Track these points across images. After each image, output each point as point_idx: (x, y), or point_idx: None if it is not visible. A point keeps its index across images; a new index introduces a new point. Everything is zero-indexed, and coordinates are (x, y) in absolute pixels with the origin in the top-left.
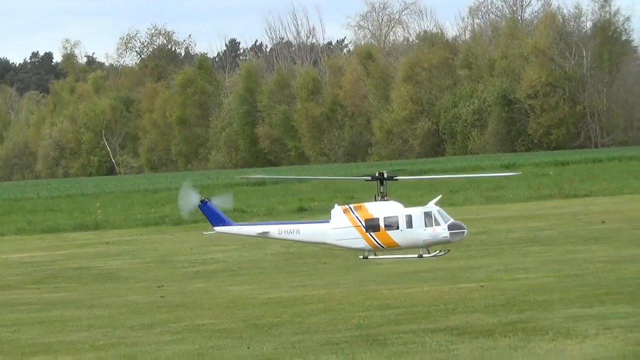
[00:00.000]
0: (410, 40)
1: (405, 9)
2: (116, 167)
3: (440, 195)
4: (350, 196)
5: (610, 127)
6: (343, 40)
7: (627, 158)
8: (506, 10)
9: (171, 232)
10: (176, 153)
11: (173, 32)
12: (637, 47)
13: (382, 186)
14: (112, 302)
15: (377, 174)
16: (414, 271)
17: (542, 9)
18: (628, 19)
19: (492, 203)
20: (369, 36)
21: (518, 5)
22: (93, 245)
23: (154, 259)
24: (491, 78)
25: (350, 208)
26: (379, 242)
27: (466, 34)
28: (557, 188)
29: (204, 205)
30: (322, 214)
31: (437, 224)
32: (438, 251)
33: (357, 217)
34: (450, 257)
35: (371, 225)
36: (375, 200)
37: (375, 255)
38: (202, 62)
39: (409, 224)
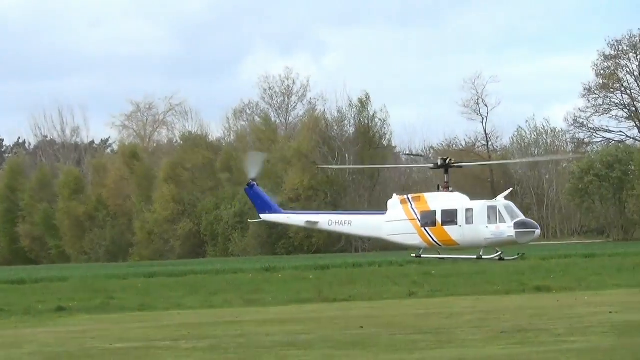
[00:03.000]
0: (175, 140)
1: (170, 110)
2: None
3: (511, 188)
4: (110, 296)
5: None
6: (107, 139)
7: (387, 263)
8: (271, 113)
9: None
10: None
11: None
12: (400, 152)
13: (446, 175)
14: None
15: (440, 161)
16: None
17: (306, 113)
18: (384, 122)
19: (251, 306)
20: (133, 136)
21: (283, 109)
22: None
23: None
24: None
25: (408, 198)
26: (435, 239)
27: (231, 136)
28: (316, 292)
29: (250, 189)
30: (81, 313)
31: (502, 220)
32: (500, 252)
33: (413, 209)
34: None
35: (427, 219)
36: (438, 191)
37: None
38: None
39: (470, 219)
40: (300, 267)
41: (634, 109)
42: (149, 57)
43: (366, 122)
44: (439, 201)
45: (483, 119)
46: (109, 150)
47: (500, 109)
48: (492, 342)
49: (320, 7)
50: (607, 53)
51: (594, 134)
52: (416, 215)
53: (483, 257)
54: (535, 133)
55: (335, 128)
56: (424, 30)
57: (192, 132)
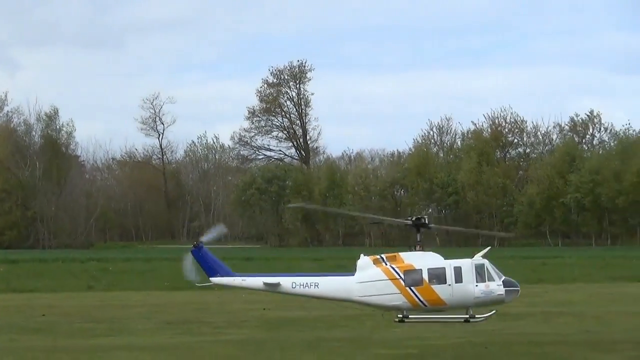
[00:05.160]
0: None
1: None
2: None
3: (489, 247)
4: None
5: (58, 231)
6: None
7: (69, 259)
8: None
9: None
10: None
11: None
12: (84, 161)
13: (419, 234)
14: None
15: (414, 219)
16: None
17: (3, 123)
18: (70, 134)
19: None
20: None
21: None
22: None
23: None
24: None
25: (382, 258)
26: (422, 299)
27: None
28: (5, 283)
29: (197, 251)
30: None
31: (492, 279)
32: (493, 312)
33: (393, 269)
34: None
35: (412, 278)
36: (411, 250)
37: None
38: None
39: (459, 277)
40: None
41: (292, 131)
42: None
43: (54, 134)
44: (421, 260)
45: (159, 134)
46: None
47: (175, 127)
48: (159, 332)
49: (14, 27)
50: (270, 81)
51: (257, 152)
52: (399, 274)
53: (475, 316)
54: (206, 149)
55: (25, 139)
56: (110, 54)
57: None
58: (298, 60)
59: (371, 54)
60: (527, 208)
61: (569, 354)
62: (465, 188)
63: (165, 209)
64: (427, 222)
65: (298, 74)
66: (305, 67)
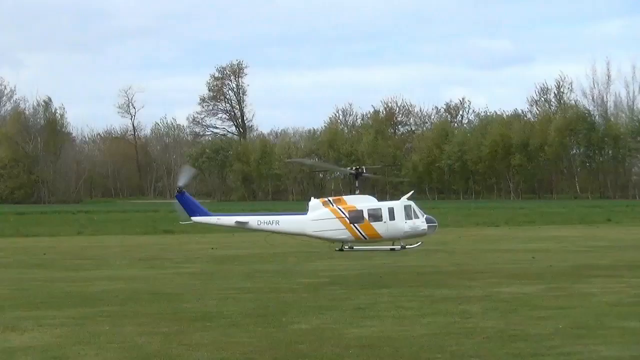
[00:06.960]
0: None
1: None
2: None
3: (413, 191)
4: None
5: (55, 190)
6: None
7: (64, 212)
8: None
9: None
10: None
11: None
12: (75, 136)
13: (357, 181)
14: None
15: (353, 170)
16: None
17: (12, 109)
18: (62, 116)
19: None
20: None
21: None
22: None
23: None
24: None
25: (329, 200)
26: (363, 234)
27: None
28: (15, 230)
29: (181, 196)
30: None
31: (417, 216)
32: (420, 242)
33: (339, 209)
34: None
35: (355, 217)
36: (352, 194)
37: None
38: None
39: (392, 216)
40: (4, 212)
41: (233, 113)
42: None
43: (51, 116)
44: (361, 202)
45: (132, 116)
46: None
47: (144, 110)
48: (133, 266)
49: (20, 36)
50: (216, 75)
51: (207, 130)
52: (344, 214)
53: (405, 247)
54: (167, 127)
55: (31, 120)
56: (94, 55)
57: None
58: (237, 60)
59: (292, 55)
60: (412, 171)
61: (443, 280)
62: (365, 156)
63: (136, 173)
64: (363, 171)
65: (237, 70)
66: (243, 65)
